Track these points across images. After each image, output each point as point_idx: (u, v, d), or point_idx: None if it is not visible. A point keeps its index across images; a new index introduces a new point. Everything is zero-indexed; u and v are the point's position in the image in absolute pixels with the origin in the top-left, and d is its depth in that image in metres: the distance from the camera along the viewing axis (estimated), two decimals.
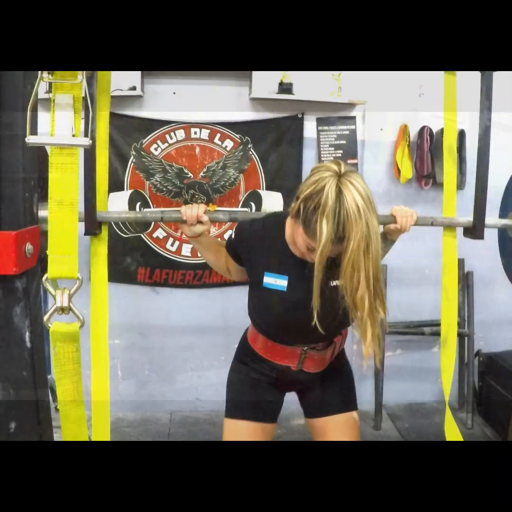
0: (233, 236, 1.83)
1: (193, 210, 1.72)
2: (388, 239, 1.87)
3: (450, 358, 1.95)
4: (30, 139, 1.28)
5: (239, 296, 3.30)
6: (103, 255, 1.68)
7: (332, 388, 1.92)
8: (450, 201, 1.94)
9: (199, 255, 3.25)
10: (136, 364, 3.44)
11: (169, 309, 3.39)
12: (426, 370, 3.62)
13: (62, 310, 1.40)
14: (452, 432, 1.85)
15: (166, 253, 3.28)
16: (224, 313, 3.43)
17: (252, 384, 1.89)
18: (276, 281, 1.70)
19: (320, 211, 1.46)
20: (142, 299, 3.36)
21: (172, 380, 3.49)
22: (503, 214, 2.04)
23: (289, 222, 1.70)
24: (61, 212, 1.36)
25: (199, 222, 1.73)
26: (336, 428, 1.87)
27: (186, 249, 3.27)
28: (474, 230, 1.86)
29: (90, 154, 1.53)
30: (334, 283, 1.64)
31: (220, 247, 1.89)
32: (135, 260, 3.28)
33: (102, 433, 1.64)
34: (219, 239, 3.00)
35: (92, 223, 1.56)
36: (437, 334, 3.47)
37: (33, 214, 1.41)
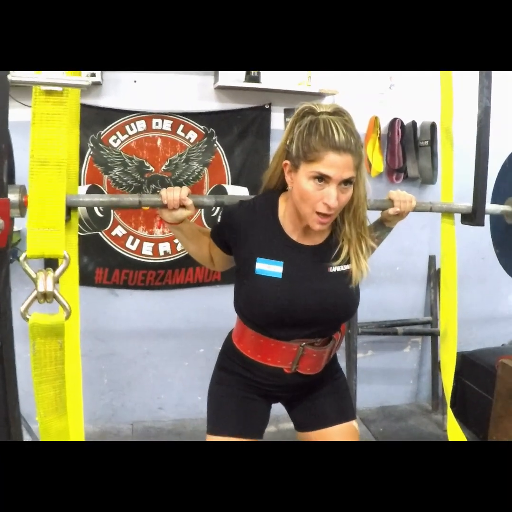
0: (219, 221, 1.74)
1: (175, 193, 1.61)
2: (385, 226, 1.85)
3: (451, 353, 1.94)
4: (14, 76, 1.12)
5: (203, 298, 3.33)
6: (73, 245, 1.56)
7: (327, 397, 1.81)
8: (448, 186, 1.94)
9: (162, 252, 3.20)
10: (94, 372, 3.33)
11: (129, 312, 3.30)
12: (399, 372, 3.66)
13: (44, 296, 1.20)
14: (455, 432, 1.84)
15: (125, 252, 3.20)
16: (187, 316, 3.37)
17: (237, 396, 1.76)
18: (269, 267, 1.59)
19: (323, 123, 1.45)
20: (100, 302, 3.25)
21: (133, 388, 3.40)
22: (494, 202, 2.07)
23: (282, 199, 1.65)
24: (45, 174, 1.20)
25: (182, 206, 1.63)
26: (337, 440, 1.76)
27: (147, 248, 3.20)
28: (474, 216, 1.86)
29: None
30: (333, 269, 1.61)
31: (203, 235, 1.80)
32: (92, 260, 3.18)
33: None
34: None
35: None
36: (410, 333, 3.55)
37: (2, 185, 1.29)
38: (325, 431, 1.77)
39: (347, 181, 1.48)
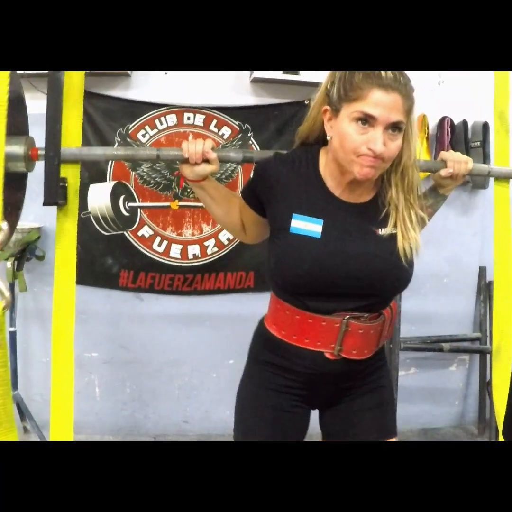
0: (252, 177, 1.57)
1: (198, 146, 1.47)
2: (439, 194, 1.65)
3: (505, 372, 1.67)
4: None
5: (234, 306, 3.15)
6: (71, 232, 1.43)
7: (368, 412, 1.58)
8: (503, 151, 1.74)
9: (191, 255, 3.05)
10: (116, 381, 3.20)
11: (155, 318, 3.16)
12: (443, 392, 3.44)
13: None
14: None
15: (152, 254, 3.05)
16: (217, 324, 3.20)
17: (272, 398, 1.55)
18: (307, 226, 1.42)
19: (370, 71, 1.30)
20: (124, 306, 3.13)
21: (157, 400, 3.25)
22: None
23: (323, 152, 1.49)
24: None
25: (205, 160, 1.48)
26: None
27: (175, 250, 3.05)
28: None
29: (52, 99, 1.32)
30: (382, 231, 1.45)
31: (232, 197, 1.64)
32: (116, 262, 3.04)
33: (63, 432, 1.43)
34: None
35: (53, 189, 1.31)
36: (457, 350, 3.32)
37: None
38: None
39: (395, 126, 1.33)
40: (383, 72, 1.28)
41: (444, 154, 1.60)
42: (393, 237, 1.45)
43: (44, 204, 1.36)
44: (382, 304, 1.51)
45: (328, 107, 1.41)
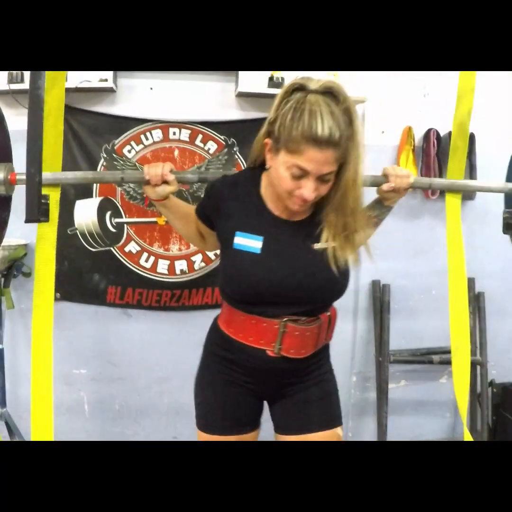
0: (203, 196, 1.76)
1: (157, 169, 1.67)
2: (384, 205, 1.80)
3: (464, 369, 1.86)
4: None
5: None
6: (51, 239, 1.53)
7: (313, 403, 1.72)
8: (457, 163, 1.89)
9: (179, 271, 3.05)
10: (105, 397, 3.19)
11: (143, 334, 3.14)
12: (434, 404, 3.42)
13: None
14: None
15: (139, 270, 3.04)
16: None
17: (225, 386, 1.72)
18: (248, 242, 1.59)
19: (308, 110, 1.39)
20: (112, 322, 3.11)
21: (146, 416, 3.23)
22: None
23: (265, 174, 1.64)
24: None
25: (165, 182, 1.68)
26: None
27: (162, 266, 3.04)
28: None
29: (33, 116, 1.33)
30: (317, 246, 1.59)
31: (190, 211, 1.81)
32: (104, 278, 3.03)
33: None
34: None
35: (34, 206, 1.33)
36: (447, 362, 3.30)
37: None
38: (306, 436, 1.71)
39: (327, 174, 1.46)
40: (319, 128, 1.37)
41: (386, 169, 1.74)
42: (326, 251, 1.58)
43: (26, 221, 1.38)
44: (318, 310, 1.66)
45: (268, 141, 1.52)
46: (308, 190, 1.47)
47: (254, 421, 1.78)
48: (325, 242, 1.59)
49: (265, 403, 1.81)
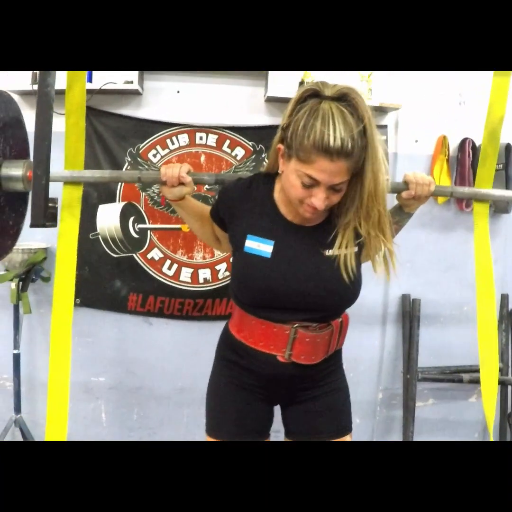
0: (216, 198, 1.75)
1: (174, 170, 1.67)
2: (405, 212, 1.78)
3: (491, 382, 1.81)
4: None
5: None
6: (73, 232, 1.57)
7: (324, 412, 1.72)
8: (486, 171, 1.85)
9: (202, 279, 2.98)
10: (123, 407, 3.13)
11: (164, 343, 3.08)
12: (462, 424, 3.31)
13: None
14: None
15: (162, 278, 2.98)
16: None
17: (236, 391, 1.71)
18: (259, 246, 1.59)
19: (321, 118, 1.38)
20: (132, 330, 3.06)
21: (165, 428, 3.17)
22: None
23: (279, 179, 1.63)
24: None
25: (181, 183, 1.68)
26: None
27: (186, 274, 2.98)
28: None
29: (42, 116, 1.28)
30: (329, 252, 1.59)
31: (207, 212, 1.81)
32: (125, 285, 2.98)
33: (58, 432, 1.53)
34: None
35: (40, 209, 1.28)
36: (477, 381, 3.19)
37: None
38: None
39: (338, 184, 1.46)
40: (331, 139, 1.36)
41: (407, 176, 1.70)
42: (338, 258, 1.58)
43: (31, 226, 1.35)
44: (330, 317, 1.65)
45: (281, 147, 1.52)
46: (319, 199, 1.46)
47: (264, 429, 1.76)
48: (337, 249, 1.58)
49: (276, 408, 1.80)
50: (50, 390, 1.59)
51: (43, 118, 1.30)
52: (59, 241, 1.68)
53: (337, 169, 1.41)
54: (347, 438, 1.75)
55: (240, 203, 1.65)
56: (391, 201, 1.92)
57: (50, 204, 1.37)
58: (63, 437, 1.55)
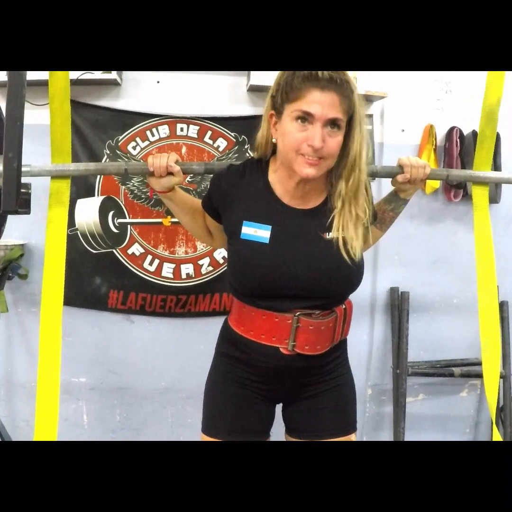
0: (208, 187, 1.72)
1: (162, 160, 1.65)
2: (400, 198, 1.79)
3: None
4: None
5: None
6: (62, 224, 1.56)
7: (328, 409, 1.68)
8: (484, 153, 1.87)
9: (185, 275, 2.92)
10: (105, 408, 3.06)
11: (146, 341, 3.02)
12: (454, 419, 3.28)
13: None
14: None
15: (143, 274, 2.92)
16: (212, 348, 3.00)
17: (236, 388, 1.68)
18: (256, 232, 1.56)
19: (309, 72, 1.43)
20: (113, 328, 2.99)
21: (149, 428, 3.11)
22: None
23: (272, 160, 1.63)
24: None
25: (169, 173, 1.66)
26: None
27: (168, 270, 2.92)
28: None
29: (13, 95, 1.23)
30: (329, 235, 1.57)
31: (197, 205, 1.78)
32: (105, 282, 2.91)
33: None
34: None
35: (12, 194, 1.24)
36: (468, 375, 3.16)
37: None
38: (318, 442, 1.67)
39: (333, 123, 1.46)
40: (320, 73, 1.41)
41: (401, 160, 1.73)
42: (344, 239, 1.56)
43: (2, 212, 1.28)
44: (333, 303, 1.62)
45: (273, 112, 1.53)
46: (317, 137, 1.44)
47: (263, 430, 1.73)
48: (336, 231, 1.57)
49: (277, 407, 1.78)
50: (39, 386, 1.59)
51: (15, 97, 1.25)
52: (48, 229, 1.64)
53: (329, 100, 1.42)
54: (352, 437, 1.71)
55: (234, 189, 1.62)
56: (387, 188, 1.89)
57: (22, 190, 1.32)
58: (53, 437, 1.54)
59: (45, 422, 1.52)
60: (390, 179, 1.80)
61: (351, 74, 2.70)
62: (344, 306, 1.66)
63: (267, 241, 1.55)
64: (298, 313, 1.56)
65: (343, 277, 1.58)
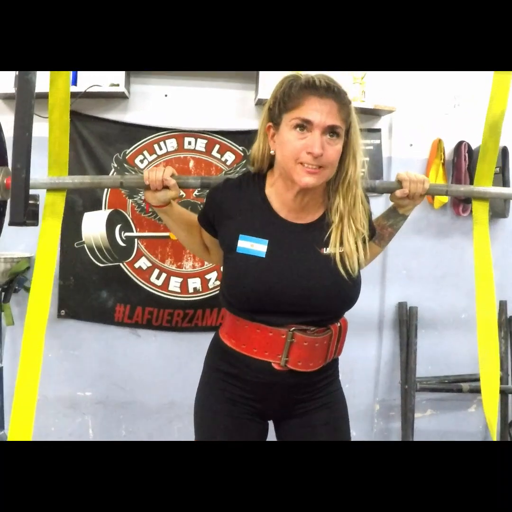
0: (204, 202, 1.71)
1: (157, 173, 1.64)
2: (399, 214, 1.76)
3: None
4: None
5: None
6: (54, 234, 1.55)
7: (321, 425, 1.64)
8: (486, 167, 1.82)
9: (192, 289, 2.92)
10: (111, 422, 3.05)
11: (153, 356, 3.01)
12: (462, 435, 3.25)
13: None
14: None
15: (150, 288, 2.91)
16: None
17: (227, 405, 1.63)
18: (252, 246, 1.54)
19: (305, 79, 1.46)
20: (119, 343, 2.98)
21: None
22: None
23: (270, 174, 1.61)
24: None
25: (165, 187, 1.65)
26: None
27: (175, 284, 2.91)
28: None
29: (21, 104, 1.21)
30: (326, 250, 1.55)
31: (194, 220, 1.75)
32: (112, 296, 2.91)
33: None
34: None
35: (20, 206, 1.23)
36: (477, 391, 3.14)
37: None
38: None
39: (332, 131, 1.46)
40: (317, 81, 1.43)
41: (400, 175, 1.70)
42: (341, 255, 1.54)
43: (10, 223, 1.27)
44: (329, 319, 1.60)
45: (270, 124, 1.53)
46: (316, 143, 1.43)
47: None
48: (334, 247, 1.55)
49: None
50: (18, 385, 1.57)
51: (24, 107, 1.24)
52: (40, 241, 1.63)
53: (328, 107, 1.43)
54: None
55: (230, 203, 1.60)
56: (385, 203, 1.88)
57: (30, 201, 1.31)
58: (28, 437, 1.50)
59: (20, 422, 1.51)
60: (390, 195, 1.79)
61: (359, 88, 2.77)
62: (339, 324, 1.63)
63: (264, 255, 1.53)
64: (293, 328, 1.54)
65: (339, 293, 1.56)
